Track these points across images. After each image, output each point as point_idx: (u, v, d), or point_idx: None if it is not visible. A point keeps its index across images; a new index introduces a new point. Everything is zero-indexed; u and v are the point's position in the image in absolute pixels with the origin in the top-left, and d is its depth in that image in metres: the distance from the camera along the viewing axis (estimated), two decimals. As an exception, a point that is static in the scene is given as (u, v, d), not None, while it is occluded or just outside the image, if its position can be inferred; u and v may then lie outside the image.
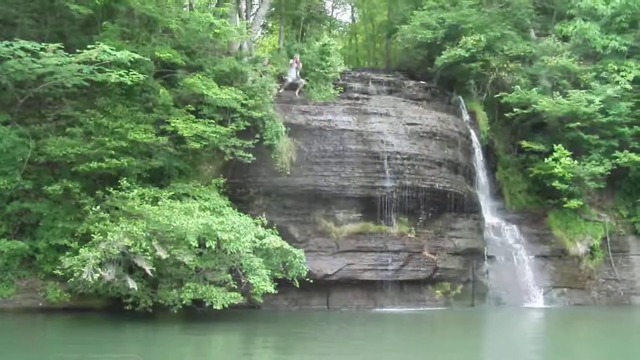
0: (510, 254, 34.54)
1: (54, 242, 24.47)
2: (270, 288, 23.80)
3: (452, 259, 32.40)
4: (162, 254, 22.35)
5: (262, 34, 44.80)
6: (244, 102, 27.63)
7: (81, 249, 21.87)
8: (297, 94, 32.25)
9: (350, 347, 20.09)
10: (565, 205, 34.68)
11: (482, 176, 36.25)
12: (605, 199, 37.62)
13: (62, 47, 23.50)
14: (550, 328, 28.24)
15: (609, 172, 35.11)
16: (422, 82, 37.03)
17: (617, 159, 35.24)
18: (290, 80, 32.62)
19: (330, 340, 21.48)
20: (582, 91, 35.64)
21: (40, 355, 17.36)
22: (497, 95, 36.74)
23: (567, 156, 34.17)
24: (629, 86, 35.90)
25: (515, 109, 35.87)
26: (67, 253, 22.75)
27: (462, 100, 36.76)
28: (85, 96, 26.61)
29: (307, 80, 32.76)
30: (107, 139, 24.64)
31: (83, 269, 21.22)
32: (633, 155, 35.03)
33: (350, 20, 55.96)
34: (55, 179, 25.36)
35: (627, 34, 37.73)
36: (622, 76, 36.11)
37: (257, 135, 28.44)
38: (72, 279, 22.01)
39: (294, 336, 22.48)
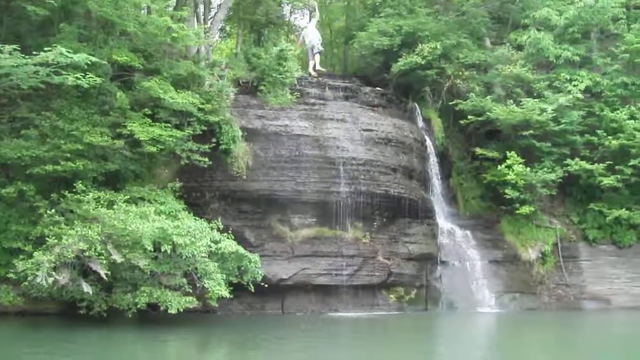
0: (463, 259, 34.97)
1: (7, 245, 24.02)
2: (225, 292, 23.81)
3: (406, 264, 32.69)
4: (117, 257, 22.26)
5: (219, 37, 44.67)
6: (201, 106, 27.57)
7: (35, 253, 21.65)
8: (311, 69, 33.44)
9: (303, 351, 20.30)
10: (518, 212, 35.21)
11: (436, 182, 36.64)
12: (556, 206, 38.29)
13: (19, 48, 23.27)
14: (501, 332, 28.73)
15: (561, 179, 35.79)
16: (378, 88, 37.32)
17: (569, 167, 35.93)
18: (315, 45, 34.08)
19: (284, 344, 21.66)
20: (535, 100, 36.28)
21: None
22: (452, 103, 37.18)
23: (520, 163, 34.73)
24: (580, 95, 36.65)
25: (469, 117, 36.35)
26: (21, 256, 22.43)
27: (417, 107, 37.13)
28: (40, 98, 26.31)
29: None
30: (62, 141, 24.40)
31: (37, 273, 20.99)
32: (584, 163, 35.75)
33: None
34: (9, 181, 25.00)
35: (580, 45, 38.60)
36: (574, 85, 36.85)
37: (214, 140, 28.44)
38: (26, 283, 21.73)
39: (250, 340, 22.56)
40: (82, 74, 24.08)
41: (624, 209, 35.89)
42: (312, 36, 32.64)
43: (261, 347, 21.12)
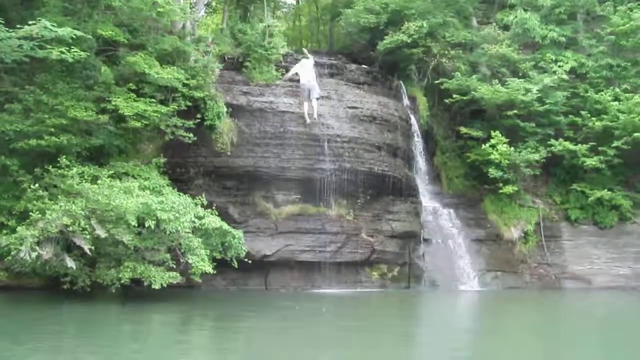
0: (446, 238, 35.17)
1: (-9, 220, 23.94)
2: (208, 268, 23.93)
3: (390, 242, 32.85)
4: (101, 233, 22.27)
5: (205, 13, 44.46)
6: (186, 81, 27.47)
7: (19, 227, 21.59)
8: (307, 114, 31.11)
9: (286, 327, 20.45)
10: (501, 191, 35.37)
11: (420, 161, 36.79)
12: (539, 186, 38.52)
13: (2, 21, 23.09)
14: (483, 311, 29.00)
15: (544, 160, 35.97)
16: (364, 66, 37.32)
17: (552, 147, 36.11)
18: (313, 88, 31.26)
19: (267, 320, 21.82)
20: (520, 80, 36.37)
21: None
22: (438, 82, 37.21)
23: (504, 143, 34.87)
24: (565, 76, 36.81)
25: (454, 96, 36.40)
26: (4, 231, 22.39)
27: (403, 85, 37.13)
28: (24, 72, 26.10)
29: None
30: (46, 116, 24.26)
31: (20, 248, 20.97)
32: (567, 144, 35.94)
33: (294, 2, 55.91)
34: (-8, 155, 24.92)
35: (566, 26, 38.75)
36: (559, 66, 37.02)
37: (198, 116, 28.37)
38: (9, 258, 21.69)
39: (232, 315, 22.68)
40: (67, 48, 23.97)
41: (606, 190, 36.15)
42: (310, 77, 31.39)
43: (244, 321, 21.23)
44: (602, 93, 37.22)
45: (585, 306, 31.08)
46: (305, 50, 26.98)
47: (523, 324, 24.23)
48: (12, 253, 21.36)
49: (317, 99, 30.79)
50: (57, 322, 19.60)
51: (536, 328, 22.94)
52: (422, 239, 34.54)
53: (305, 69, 30.62)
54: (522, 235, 36.31)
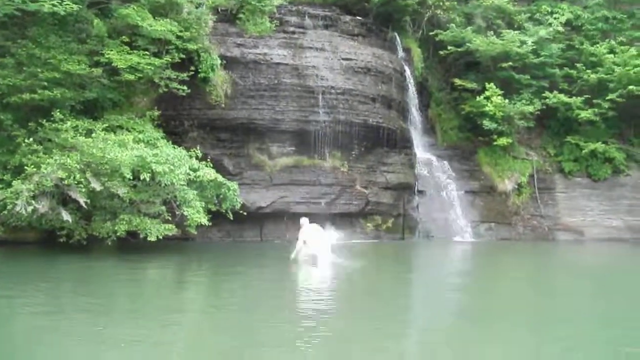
0: (440, 189, 35.42)
1: (-15, 175, 23.88)
2: (204, 220, 24.06)
3: (384, 193, 33.07)
4: (96, 186, 22.28)
5: (198, -37, 43.94)
6: (179, 34, 27.26)
7: (14, 182, 21.62)
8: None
9: (282, 275, 20.69)
10: (495, 143, 35.56)
11: (415, 112, 36.85)
12: (533, 138, 38.69)
13: (-9, -26, 22.93)
14: (476, 259, 29.27)
15: (538, 112, 36.12)
16: (358, 17, 36.93)
17: (547, 99, 36.22)
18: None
19: (263, 269, 22.06)
20: (515, 32, 36.39)
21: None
22: (432, 33, 37.15)
23: (499, 95, 34.94)
24: (561, 28, 36.80)
25: (449, 47, 36.38)
26: (0, 186, 22.36)
27: (397, 36, 36.91)
28: (16, 26, 25.82)
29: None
30: (39, 70, 24.05)
31: (16, 202, 20.99)
32: (562, 96, 36.04)
33: (288, -49, 55.15)
34: (-15, 110, 24.80)
35: (561, -24, 38.53)
36: (555, 18, 37.00)
37: (192, 68, 28.21)
38: (5, 212, 21.75)
39: (228, 266, 22.86)
40: (59, 1, 23.77)
41: (600, 143, 36.35)
42: (316, 240, 23.26)
43: (240, 271, 21.41)
44: (598, 45, 37.24)
45: (577, 257, 31.41)
46: (302, 220, 23.25)
47: (516, 270, 24.64)
48: (8, 207, 21.39)
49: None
50: (54, 275, 19.71)
51: (528, 275, 23.29)
52: (416, 191, 34.85)
53: (309, 234, 23.25)
54: (516, 187, 36.60)
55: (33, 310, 14.26)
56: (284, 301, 16.23)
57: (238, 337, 12.11)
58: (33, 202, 21.37)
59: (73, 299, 15.98)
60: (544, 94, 36.40)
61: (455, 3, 38.10)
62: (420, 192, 35.03)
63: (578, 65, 37.04)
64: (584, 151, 36.59)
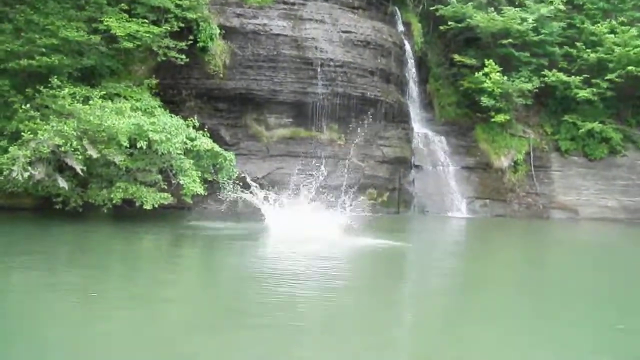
0: (436, 164, 35.54)
1: (-18, 140, 23.81)
2: (200, 189, 24.17)
3: (380, 167, 33.14)
4: (93, 153, 22.33)
5: None
6: (178, 2, 27.10)
7: (11, 147, 21.56)
8: None
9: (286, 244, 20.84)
10: (493, 120, 35.62)
11: (413, 87, 36.88)
12: (531, 116, 38.71)
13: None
14: (470, 233, 29.50)
15: (537, 90, 36.13)
16: (359, -10, 36.94)
17: (546, 78, 36.21)
18: None
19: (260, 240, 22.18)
20: (516, 9, 36.35)
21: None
22: (433, 8, 37.09)
23: (497, 72, 34.92)
24: (562, 7, 36.72)
25: (450, 22, 36.33)
26: (-4, 151, 22.38)
27: (398, 10, 36.82)
28: (14, -9, 25.84)
29: None
30: (37, 36, 23.88)
31: (13, 167, 20.95)
32: (561, 75, 36.03)
33: None
34: (-17, 76, 24.69)
35: (564, -46, 38.30)
36: (556, -4, 36.82)
37: (191, 37, 28.12)
38: (1, 178, 21.68)
39: (223, 236, 23.01)
40: (58, -33, 23.65)
41: (597, 122, 36.39)
42: None
43: (235, 241, 21.53)
44: (598, 25, 37.16)
45: (571, 234, 31.64)
46: None
47: (509, 245, 24.83)
48: (5, 173, 21.33)
49: None
50: (50, 240, 19.83)
51: (520, 248, 23.48)
52: (412, 165, 34.91)
53: None
54: (512, 164, 36.67)
55: (28, 277, 14.38)
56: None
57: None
58: (29, 168, 21.36)
59: (67, 267, 16.07)
60: (543, 72, 36.39)
61: (457, -22, 37.93)
62: (417, 166, 35.15)
63: (578, 44, 37.01)
64: (581, 130, 36.63)
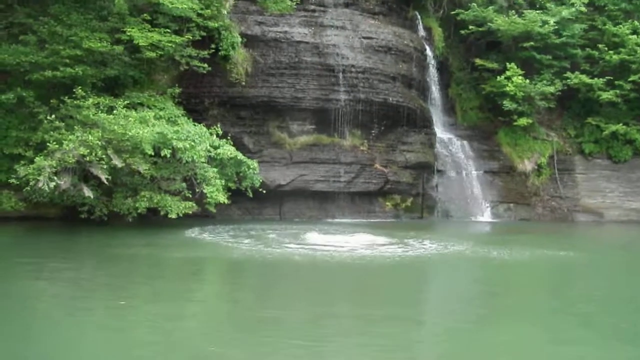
0: (459, 169, 35.43)
1: (8, 151, 23.98)
2: (223, 198, 24.30)
3: (403, 172, 33.09)
4: (118, 162, 22.50)
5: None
6: (200, 11, 27.30)
7: (37, 158, 21.75)
8: None
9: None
10: (515, 123, 35.42)
11: (435, 92, 36.84)
12: (554, 119, 38.52)
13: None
14: (495, 235, 29.31)
15: (559, 92, 35.92)
16: (379, -4, 36.97)
17: (568, 80, 36.03)
18: None
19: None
20: (537, 11, 36.10)
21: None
22: (454, 12, 36.99)
23: (519, 75, 34.76)
24: (583, 9, 36.51)
25: (470, 27, 36.22)
26: (22, 162, 22.53)
27: (418, 15, 36.84)
28: (38, 3, 25.99)
29: None
30: (61, 47, 24.18)
31: (39, 178, 21.16)
32: (583, 77, 35.84)
33: None
34: (8, 87, 24.79)
35: (585, -45, 38.11)
36: (577, -2, 36.64)
37: (213, 46, 28.33)
38: (28, 188, 21.93)
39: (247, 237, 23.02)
40: (80, -22, 23.83)
41: (621, 124, 36.13)
42: None
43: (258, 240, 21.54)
44: (620, 26, 36.91)
45: (597, 237, 31.29)
46: None
47: (536, 248, 24.46)
48: (31, 183, 21.58)
49: None
50: (74, 250, 19.96)
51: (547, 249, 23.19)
52: (435, 170, 34.79)
53: None
54: (536, 167, 36.50)
55: (55, 282, 14.48)
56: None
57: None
58: (55, 178, 21.56)
59: (93, 278, 16.13)
60: (565, 75, 36.23)
61: (477, -18, 37.86)
62: (440, 171, 35.05)
63: (600, 46, 36.79)
64: (604, 132, 36.38)
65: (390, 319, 12.14)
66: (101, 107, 23.62)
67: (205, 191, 23.98)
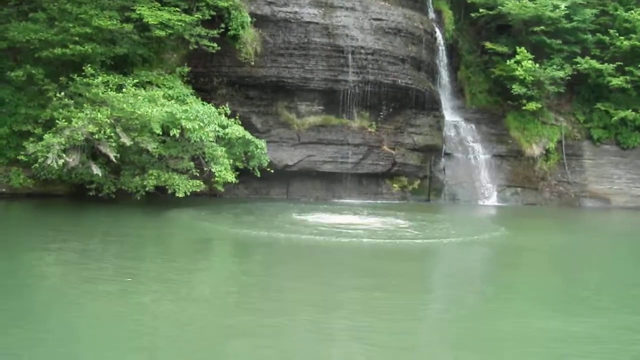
0: (467, 152, 35.43)
1: (17, 128, 24.19)
2: (231, 178, 24.28)
3: (411, 155, 33.13)
4: (126, 141, 22.54)
5: None
6: (210, -10, 27.40)
7: (45, 135, 21.80)
8: None
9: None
10: (524, 108, 35.34)
11: (444, 74, 36.84)
12: (563, 104, 38.40)
13: None
14: (501, 218, 29.36)
15: (569, 77, 35.78)
16: (390, -23, 36.84)
17: (578, 65, 35.89)
18: None
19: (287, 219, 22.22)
20: (548, -5, 35.93)
21: (2, 239, 17.48)
22: (464, -5, 36.89)
23: (529, 59, 34.64)
24: (595, -7, 36.33)
25: (481, 10, 36.08)
26: (31, 139, 22.61)
27: (429, -3, 36.81)
28: (48, -19, 26.06)
29: None
30: (71, 24, 24.22)
31: (47, 155, 21.23)
32: (594, 62, 35.68)
33: None
34: (18, 64, 24.97)
35: (597, -60, 37.87)
36: (589, -18, 36.45)
37: (222, 25, 28.36)
38: (36, 165, 22.06)
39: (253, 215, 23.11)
40: (90, -44, 23.81)
41: (630, 110, 35.97)
42: None
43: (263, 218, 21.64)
44: (632, 12, 36.69)
45: (605, 223, 31.29)
46: None
47: (541, 233, 24.48)
48: (39, 160, 21.69)
49: None
50: (82, 226, 20.07)
51: (550, 239, 23.20)
52: (443, 153, 34.83)
53: None
54: (544, 152, 36.46)
55: (64, 261, 14.61)
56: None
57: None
58: (64, 155, 21.62)
59: (102, 253, 16.25)
60: (575, 60, 36.07)
61: (488, -35, 37.65)
62: (448, 154, 35.07)
63: (611, 31, 36.58)
64: (613, 118, 36.25)
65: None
66: (110, 86, 23.65)
67: (213, 170, 24.01)
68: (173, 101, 24.43)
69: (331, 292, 12.89)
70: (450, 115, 36.47)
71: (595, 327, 11.07)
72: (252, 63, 29.93)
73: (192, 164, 24.34)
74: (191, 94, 26.27)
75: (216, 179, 24.13)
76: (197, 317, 10.61)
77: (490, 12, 35.98)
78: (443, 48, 36.38)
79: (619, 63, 35.61)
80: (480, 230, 23.09)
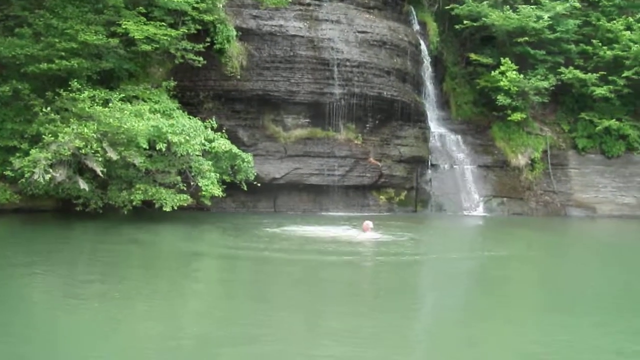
0: (453, 163, 35.59)
1: (3, 143, 23.98)
2: (218, 192, 24.31)
3: (397, 166, 33.24)
4: (113, 155, 22.52)
5: None
6: (195, 5, 27.27)
7: (32, 150, 21.76)
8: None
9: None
10: (509, 118, 35.58)
11: (429, 86, 36.94)
12: (548, 114, 38.69)
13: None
14: (487, 229, 29.52)
15: (553, 88, 36.05)
16: (374, -10, 37.01)
17: (562, 75, 36.17)
18: None
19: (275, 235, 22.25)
20: (531, 6, 36.26)
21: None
22: (448, 7, 37.15)
23: (514, 70, 34.89)
24: (577, 4, 36.70)
25: (465, 22, 36.32)
26: (17, 154, 22.51)
27: (413, 10, 36.91)
28: (33, -4, 26.08)
29: None
30: (56, 40, 24.18)
31: (34, 170, 21.16)
32: (577, 72, 35.97)
33: None
34: (3, 80, 24.79)
35: (579, -49, 38.18)
36: (571, -7, 36.74)
37: (208, 39, 28.39)
38: (23, 180, 22.00)
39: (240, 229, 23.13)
40: (75, -29, 23.82)
41: (614, 120, 36.29)
42: None
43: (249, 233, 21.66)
44: (614, 22, 37.06)
45: (590, 232, 31.47)
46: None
47: (526, 243, 24.64)
48: (26, 175, 21.58)
49: None
50: (69, 242, 20.01)
51: (535, 247, 23.35)
52: (429, 164, 34.95)
53: None
54: (529, 162, 36.66)
55: (50, 280, 14.56)
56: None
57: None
58: (50, 170, 21.59)
59: (87, 270, 16.22)
60: (559, 70, 36.35)
61: (472, -23, 37.93)
62: (434, 165, 35.20)
63: (594, 41, 36.91)
64: (597, 128, 36.55)
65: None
66: (96, 100, 23.62)
67: (200, 184, 24.05)
68: (159, 115, 24.44)
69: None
70: (436, 127, 36.63)
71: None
72: (238, 77, 29.98)
73: (179, 178, 24.36)
74: (177, 108, 26.26)
75: (203, 193, 24.15)
76: (185, 331, 10.58)
77: (475, 24, 36.21)
78: (428, 60, 36.53)
79: (602, 73, 35.92)
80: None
